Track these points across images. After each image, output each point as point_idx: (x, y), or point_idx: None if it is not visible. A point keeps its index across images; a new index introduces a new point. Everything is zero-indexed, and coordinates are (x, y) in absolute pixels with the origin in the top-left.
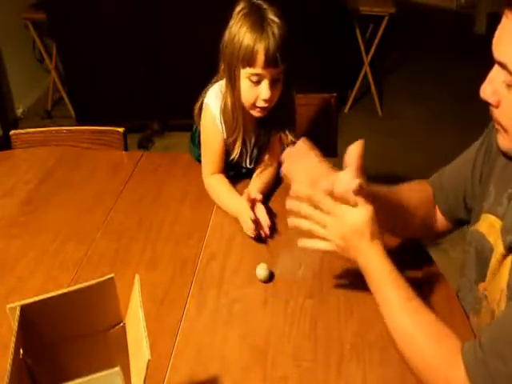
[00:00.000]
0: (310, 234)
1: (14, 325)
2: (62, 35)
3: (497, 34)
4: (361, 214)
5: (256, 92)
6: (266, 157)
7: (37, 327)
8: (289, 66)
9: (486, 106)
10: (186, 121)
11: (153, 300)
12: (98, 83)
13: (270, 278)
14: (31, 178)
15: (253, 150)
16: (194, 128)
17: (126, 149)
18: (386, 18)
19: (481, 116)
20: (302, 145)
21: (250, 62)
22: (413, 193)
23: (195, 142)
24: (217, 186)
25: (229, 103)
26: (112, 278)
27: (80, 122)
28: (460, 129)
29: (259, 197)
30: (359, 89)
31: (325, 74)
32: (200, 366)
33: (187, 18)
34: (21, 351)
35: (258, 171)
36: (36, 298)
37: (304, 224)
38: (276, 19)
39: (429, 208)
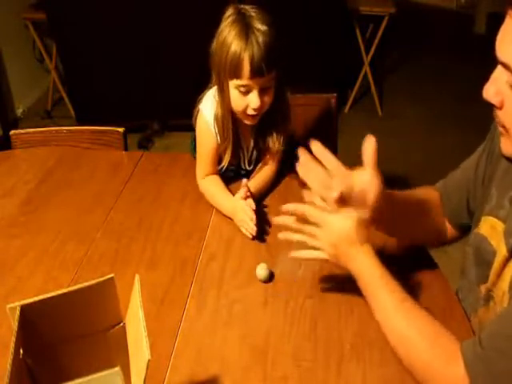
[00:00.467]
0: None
1: (14, 325)
2: (62, 35)
3: (500, 34)
4: (345, 221)
5: (245, 101)
6: (266, 156)
7: (37, 327)
8: (279, 72)
9: (486, 106)
10: (185, 121)
11: (153, 300)
12: (98, 83)
13: (270, 277)
14: (31, 178)
15: (252, 153)
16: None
17: (126, 149)
18: (386, 18)
19: (481, 116)
20: (315, 147)
21: (236, 73)
22: (422, 199)
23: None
24: (211, 187)
25: (219, 113)
26: (112, 278)
27: (80, 122)
28: (460, 129)
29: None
30: (359, 89)
31: (325, 74)
32: (200, 366)
33: (187, 18)
34: (21, 351)
35: (256, 170)
36: (36, 298)
37: (295, 236)
38: (262, 27)
39: (438, 215)
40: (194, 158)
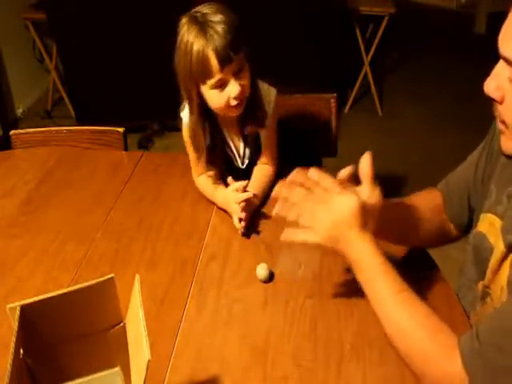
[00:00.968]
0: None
1: (14, 325)
2: (62, 35)
3: (503, 29)
4: (350, 202)
5: (225, 95)
6: (262, 156)
7: (37, 327)
8: (247, 51)
9: (486, 106)
10: None
11: (153, 300)
12: (98, 83)
13: (270, 277)
14: (31, 178)
15: (244, 151)
16: None
17: (126, 149)
18: (386, 18)
19: (481, 116)
20: (312, 173)
21: (206, 73)
22: (424, 203)
23: None
24: (204, 183)
25: (190, 126)
26: (112, 278)
27: (80, 122)
28: (460, 129)
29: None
30: (359, 89)
31: (325, 74)
32: (200, 366)
33: None
34: (21, 351)
35: (255, 172)
36: (36, 298)
37: (291, 213)
38: (216, 17)
39: (441, 216)
40: None
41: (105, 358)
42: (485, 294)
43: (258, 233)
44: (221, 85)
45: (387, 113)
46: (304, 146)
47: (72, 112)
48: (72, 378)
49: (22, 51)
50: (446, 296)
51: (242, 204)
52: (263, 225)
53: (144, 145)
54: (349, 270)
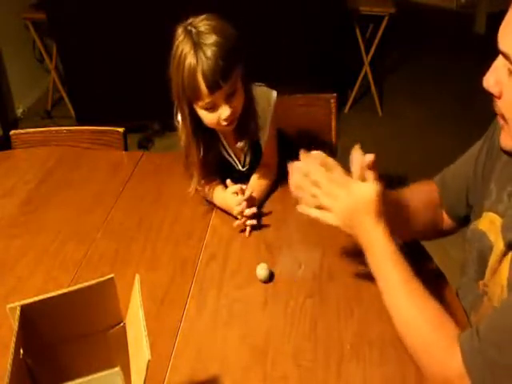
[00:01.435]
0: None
1: (14, 325)
2: (62, 35)
3: (502, 24)
4: (370, 189)
5: (216, 114)
6: (262, 158)
7: (37, 327)
8: (242, 70)
9: (486, 105)
10: None
11: (153, 300)
12: (98, 83)
13: (270, 277)
14: (31, 178)
15: (245, 156)
16: None
17: (126, 149)
18: (386, 18)
19: (481, 116)
20: (316, 155)
21: (196, 95)
22: (420, 194)
23: None
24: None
25: (183, 141)
26: (112, 278)
27: (80, 122)
28: (460, 129)
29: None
30: (359, 89)
31: (325, 74)
32: (200, 366)
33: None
34: (21, 351)
35: (256, 174)
36: (36, 298)
37: (314, 190)
38: (209, 39)
39: (436, 209)
40: None
41: (105, 358)
42: (484, 293)
43: (258, 233)
44: (211, 107)
45: (387, 113)
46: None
47: (72, 112)
48: (72, 378)
49: (22, 51)
50: (446, 296)
51: (244, 205)
52: (263, 225)
53: (144, 145)
54: (349, 270)
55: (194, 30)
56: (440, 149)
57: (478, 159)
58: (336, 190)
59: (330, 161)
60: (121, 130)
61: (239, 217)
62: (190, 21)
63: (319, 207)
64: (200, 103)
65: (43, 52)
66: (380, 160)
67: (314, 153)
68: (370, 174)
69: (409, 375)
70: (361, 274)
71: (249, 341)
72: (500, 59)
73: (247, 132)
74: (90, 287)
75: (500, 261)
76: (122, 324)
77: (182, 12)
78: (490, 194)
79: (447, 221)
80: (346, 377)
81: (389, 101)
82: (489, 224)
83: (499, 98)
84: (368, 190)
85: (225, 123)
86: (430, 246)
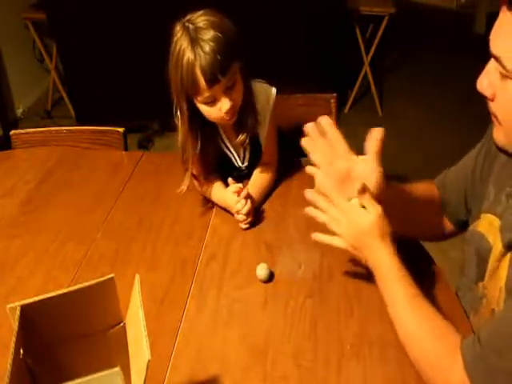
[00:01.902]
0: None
1: (14, 325)
2: (62, 35)
3: (494, 28)
4: (369, 215)
5: (217, 108)
6: (262, 156)
7: (37, 327)
8: (241, 64)
9: (486, 105)
10: None
11: (153, 300)
12: (98, 83)
13: (270, 277)
14: (31, 178)
15: (244, 152)
16: None
17: (126, 149)
18: (386, 18)
19: (481, 116)
20: (324, 121)
21: (195, 90)
22: (424, 193)
23: None
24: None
25: (180, 139)
26: (112, 278)
27: (80, 122)
28: (460, 128)
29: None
30: (359, 89)
31: (325, 74)
32: (200, 366)
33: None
34: (21, 351)
35: (257, 171)
36: (36, 298)
37: (321, 217)
38: (208, 33)
39: (437, 210)
40: None
41: (105, 358)
42: (482, 295)
43: (258, 233)
44: (211, 101)
45: (387, 113)
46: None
47: (72, 112)
48: (72, 378)
49: (22, 51)
50: (446, 296)
51: (242, 203)
52: (263, 225)
53: (144, 145)
54: (349, 270)
55: (191, 26)
56: (440, 149)
57: (476, 161)
58: (339, 217)
59: (335, 133)
60: (121, 130)
61: (237, 215)
62: (187, 17)
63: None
64: (199, 98)
65: (43, 52)
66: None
67: (322, 120)
68: (367, 199)
69: (409, 375)
70: (361, 274)
71: (249, 341)
72: (492, 62)
73: (246, 126)
74: (89, 287)
75: (499, 262)
76: (121, 324)
77: (182, 12)
78: (488, 196)
79: (448, 224)
80: (346, 377)
81: (389, 101)
82: (487, 225)
83: (492, 100)
84: (367, 216)
85: (225, 116)
86: (429, 247)
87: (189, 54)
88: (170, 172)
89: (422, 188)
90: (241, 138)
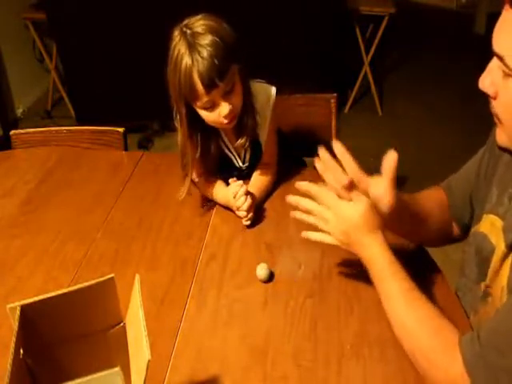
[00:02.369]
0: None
1: (14, 325)
2: (62, 35)
3: (496, 26)
4: (356, 208)
5: (216, 113)
6: (263, 157)
7: (37, 327)
8: (240, 67)
9: (486, 105)
10: None
11: (153, 300)
12: (98, 83)
13: (270, 277)
14: (31, 178)
15: (245, 153)
16: None
17: (126, 149)
18: (386, 18)
19: (481, 116)
20: (336, 145)
21: (193, 96)
22: (432, 202)
23: None
24: (204, 182)
25: (180, 143)
26: (112, 278)
27: (80, 122)
28: (460, 128)
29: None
30: (359, 89)
31: (325, 74)
32: (200, 366)
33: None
34: (21, 351)
35: (257, 172)
36: (36, 298)
37: (309, 218)
38: (205, 38)
39: (445, 216)
40: None
41: (105, 358)
42: (486, 294)
43: (258, 233)
44: (210, 106)
45: (387, 113)
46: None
47: (72, 112)
48: (72, 378)
49: (22, 51)
50: (446, 296)
51: (243, 198)
52: (264, 225)
53: (144, 145)
54: (349, 269)
55: (189, 32)
56: (440, 148)
57: (480, 164)
58: (326, 214)
59: (347, 156)
60: (121, 130)
61: (238, 212)
62: (185, 22)
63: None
64: (198, 103)
65: (43, 52)
66: (380, 160)
67: (334, 146)
68: (354, 193)
69: (409, 375)
70: (361, 274)
71: (249, 341)
72: (495, 61)
73: (246, 128)
74: (89, 287)
75: (501, 262)
76: (122, 324)
77: (182, 12)
78: (491, 197)
79: (455, 228)
80: (346, 377)
81: (389, 101)
82: (490, 226)
83: (494, 98)
84: (355, 210)
85: (225, 121)
86: (430, 247)
87: (186, 60)
88: (170, 172)
89: (431, 195)
90: (241, 141)
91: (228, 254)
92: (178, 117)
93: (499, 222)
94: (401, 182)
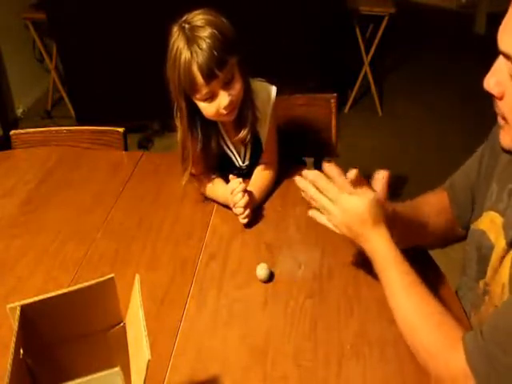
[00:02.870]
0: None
1: (14, 325)
2: (62, 35)
3: (502, 24)
4: (360, 201)
5: (216, 104)
6: (263, 156)
7: (37, 327)
8: (239, 59)
9: (486, 105)
10: None
11: (153, 300)
12: (98, 83)
13: (270, 277)
14: (31, 178)
15: (245, 151)
16: None
17: (126, 149)
18: (386, 18)
19: (481, 116)
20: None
21: (193, 88)
22: (431, 207)
23: None
24: (204, 180)
25: (179, 139)
26: (112, 278)
27: (80, 122)
28: (460, 128)
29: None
30: (359, 89)
31: (325, 74)
32: (200, 366)
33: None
34: (21, 351)
35: (257, 170)
36: (36, 298)
37: (320, 218)
38: (204, 31)
39: (447, 218)
40: None
41: (105, 358)
42: (485, 292)
43: (258, 233)
44: (210, 97)
45: (387, 113)
46: (304, 146)
47: (72, 112)
48: (72, 378)
49: (22, 51)
50: (446, 296)
51: (240, 194)
52: (263, 225)
53: (144, 145)
54: (349, 270)
55: (187, 26)
56: (440, 148)
57: (481, 163)
58: (329, 206)
59: (335, 169)
60: (121, 130)
61: (235, 209)
62: (184, 18)
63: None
64: (198, 95)
65: (43, 52)
66: (380, 160)
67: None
68: (359, 188)
69: (409, 375)
70: (361, 274)
71: (249, 341)
72: (500, 60)
73: (246, 122)
74: (89, 287)
75: (501, 259)
76: (122, 324)
77: (182, 12)
78: (491, 194)
79: (458, 229)
80: (346, 377)
81: (389, 101)
82: (489, 223)
83: (500, 99)
84: (357, 203)
85: (224, 112)
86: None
87: (185, 53)
88: (170, 172)
89: (430, 200)
90: (243, 133)
91: (228, 254)
92: (179, 112)
93: (499, 219)
94: (401, 182)
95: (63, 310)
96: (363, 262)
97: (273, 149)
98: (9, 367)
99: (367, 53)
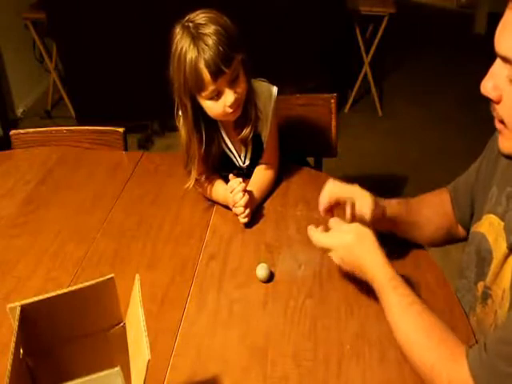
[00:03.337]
0: None
1: (14, 325)
2: (62, 35)
3: (499, 27)
4: (345, 237)
5: (222, 103)
6: (263, 156)
7: (37, 327)
8: (243, 57)
9: (486, 106)
10: None
11: (153, 300)
12: (98, 83)
13: (270, 277)
14: (31, 178)
15: (246, 152)
16: None
17: (126, 149)
18: (386, 18)
19: (481, 116)
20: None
21: (200, 85)
22: (432, 207)
23: None
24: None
25: (183, 139)
26: (112, 278)
27: (80, 122)
28: (460, 129)
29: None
30: (359, 89)
31: (325, 74)
32: (200, 366)
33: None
34: (21, 351)
35: (257, 170)
36: (36, 298)
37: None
38: (209, 29)
39: (449, 219)
40: None
41: (105, 358)
42: (486, 296)
43: (258, 233)
44: (216, 95)
45: (387, 113)
46: (304, 146)
47: (72, 112)
48: (72, 378)
49: (22, 51)
50: (446, 296)
51: (240, 193)
52: (263, 225)
53: (144, 145)
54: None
55: (191, 24)
56: (440, 149)
57: (481, 166)
58: (324, 241)
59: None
60: (121, 130)
61: (235, 209)
62: (186, 18)
63: None
64: (204, 94)
65: (43, 52)
66: (380, 160)
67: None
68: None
69: (409, 375)
70: None
71: (249, 341)
72: (497, 63)
73: (248, 120)
74: (89, 287)
75: (502, 263)
76: (122, 324)
77: (182, 13)
78: (491, 197)
79: (460, 230)
80: (345, 377)
81: (389, 101)
82: (488, 226)
83: (498, 103)
84: (344, 239)
85: (230, 110)
86: (429, 247)
87: (192, 51)
88: (170, 172)
89: (432, 201)
90: (245, 132)
91: (228, 254)
92: (183, 113)
93: (498, 222)
94: (401, 182)
95: (63, 309)
96: None
97: (274, 149)
98: (9, 367)
99: (367, 53)
